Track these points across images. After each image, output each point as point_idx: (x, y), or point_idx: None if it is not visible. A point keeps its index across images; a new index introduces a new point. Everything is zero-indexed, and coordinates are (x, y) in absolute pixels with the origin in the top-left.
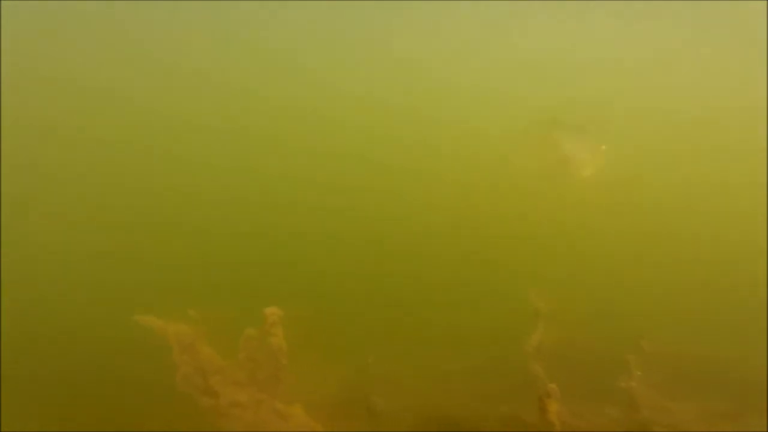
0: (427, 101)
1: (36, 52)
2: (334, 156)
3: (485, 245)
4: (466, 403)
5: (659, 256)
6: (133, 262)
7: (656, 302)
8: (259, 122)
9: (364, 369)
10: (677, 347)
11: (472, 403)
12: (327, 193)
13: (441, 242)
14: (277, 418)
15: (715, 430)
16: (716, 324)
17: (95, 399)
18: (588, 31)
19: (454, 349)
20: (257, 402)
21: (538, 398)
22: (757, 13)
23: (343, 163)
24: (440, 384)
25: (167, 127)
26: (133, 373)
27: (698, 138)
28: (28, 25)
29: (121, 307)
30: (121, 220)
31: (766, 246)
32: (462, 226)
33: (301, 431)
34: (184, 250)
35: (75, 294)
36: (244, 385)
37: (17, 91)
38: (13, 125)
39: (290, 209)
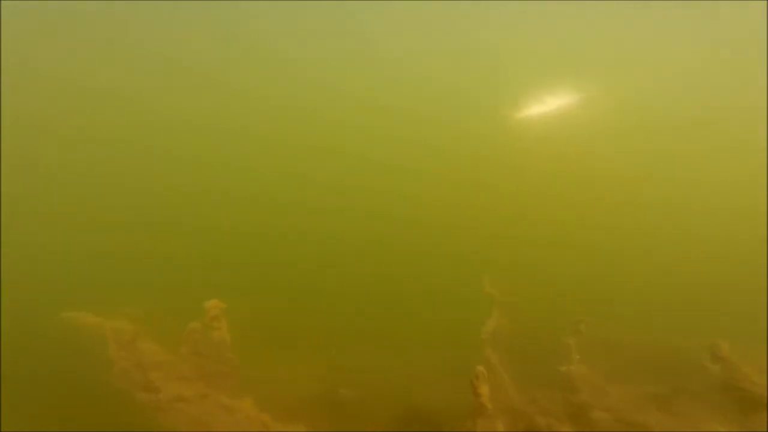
0: (426, 101)
1: (36, 52)
2: (318, 149)
3: (450, 239)
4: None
5: (611, 248)
6: (79, 259)
7: (598, 291)
8: (258, 122)
9: (326, 361)
10: (615, 333)
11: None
12: (291, 187)
13: (398, 235)
14: (224, 411)
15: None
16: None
17: (32, 398)
18: (587, 30)
19: (414, 343)
20: (202, 396)
21: (469, 382)
22: (757, 13)
23: (332, 161)
24: (405, 374)
25: (168, 126)
26: (70, 371)
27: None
28: (28, 25)
29: (57, 305)
30: (91, 220)
31: (693, 240)
32: (422, 221)
33: (246, 426)
34: (138, 246)
35: (14, 291)
36: (188, 380)
37: (17, 91)
38: (13, 125)
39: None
